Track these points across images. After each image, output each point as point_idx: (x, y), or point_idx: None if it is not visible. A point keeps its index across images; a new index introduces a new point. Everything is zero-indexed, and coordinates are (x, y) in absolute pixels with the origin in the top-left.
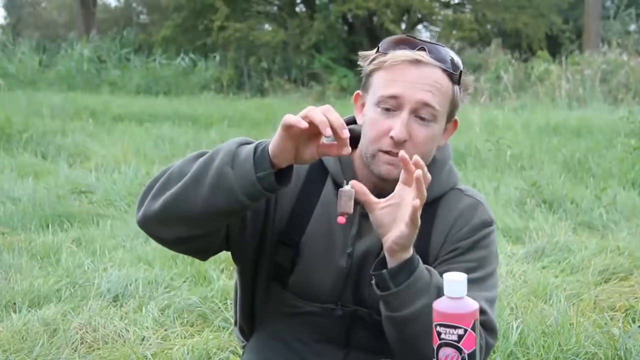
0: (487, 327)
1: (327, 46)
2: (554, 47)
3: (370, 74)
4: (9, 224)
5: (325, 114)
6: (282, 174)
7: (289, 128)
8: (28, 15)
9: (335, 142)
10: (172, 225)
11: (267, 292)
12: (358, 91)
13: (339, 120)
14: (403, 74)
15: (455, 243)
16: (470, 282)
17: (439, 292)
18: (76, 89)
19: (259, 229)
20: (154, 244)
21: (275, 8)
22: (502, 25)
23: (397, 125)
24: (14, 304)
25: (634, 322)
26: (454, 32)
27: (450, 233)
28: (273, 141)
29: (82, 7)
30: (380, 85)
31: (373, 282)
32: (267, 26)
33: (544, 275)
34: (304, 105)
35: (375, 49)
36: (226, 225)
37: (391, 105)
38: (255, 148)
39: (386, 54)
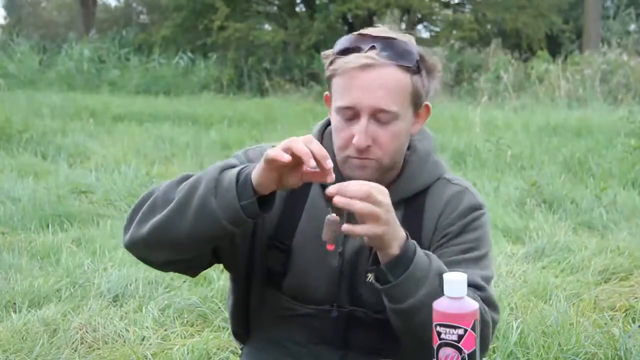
0: (489, 303)
1: (327, 46)
2: (554, 47)
3: (329, 79)
4: (9, 224)
5: (307, 145)
6: (265, 198)
7: (271, 162)
8: (28, 15)
9: (319, 170)
10: (160, 249)
11: (262, 297)
12: (327, 93)
13: (321, 151)
14: (354, 81)
15: (446, 229)
16: (465, 261)
17: (441, 278)
18: (76, 89)
19: (249, 235)
20: None
21: (275, 8)
22: (502, 25)
23: (357, 133)
24: (14, 304)
25: (634, 322)
26: (454, 32)
27: (439, 221)
28: (256, 171)
29: (82, 7)
30: (337, 93)
31: (371, 277)
32: (267, 26)
33: (544, 275)
34: (304, 105)
35: (333, 50)
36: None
37: (349, 115)
38: (238, 175)
39: (339, 57)
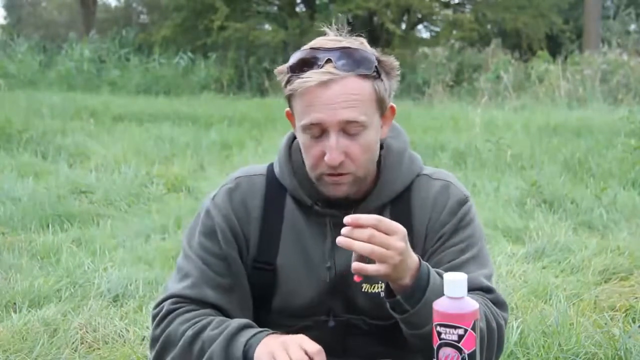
0: (498, 302)
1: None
2: (554, 47)
3: (289, 98)
4: (9, 224)
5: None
6: None
7: None
8: (28, 15)
9: None
10: None
11: (256, 319)
12: (287, 109)
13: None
14: (316, 98)
15: (439, 231)
16: (466, 262)
17: None
18: (76, 89)
19: (242, 267)
20: (154, 243)
21: (275, 8)
22: (502, 25)
23: (328, 151)
24: (14, 304)
25: (634, 322)
26: (454, 32)
27: (430, 222)
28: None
29: (82, 7)
30: (299, 112)
31: (366, 288)
32: (267, 26)
33: (544, 275)
34: None
35: (287, 67)
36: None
37: (316, 133)
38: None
39: (296, 76)
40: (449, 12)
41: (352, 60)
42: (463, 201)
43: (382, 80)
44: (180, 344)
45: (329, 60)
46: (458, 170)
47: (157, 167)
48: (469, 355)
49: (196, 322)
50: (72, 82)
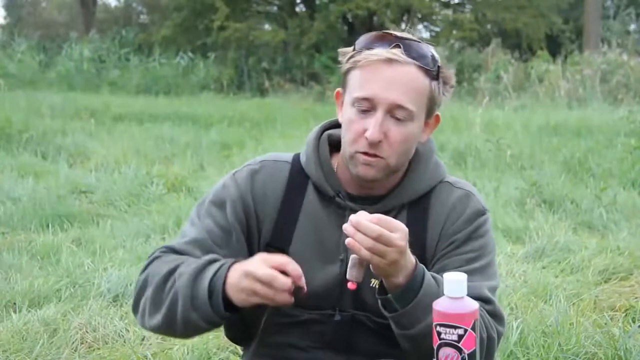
0: (496, 315)
1: (327, 46)
2: (554, 47)
3: (347, 73)
4: (9, 224)
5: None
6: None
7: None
8: (28, 15)
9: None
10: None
11: (262, 306)
12: (338, 89)
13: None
14: (376, 74)
15: (451, 237)
16: (471, 272)
17: None
18: (76, 89)
19: (245, 246)
20: (154, 243)
21: (275, 8)
22: (502, 25)
23: (371, 126)
24: (14, 304)
25: (634, 322)
26: (454, 32)
27: (444, 227)
28: (231, 292)
29: (82, 7)
30: (355, 85)
31: (379, 303)
32: (267, 26)
33: (544, 275)
34: (304, 105)
35: (353, 46)
36: None
37: (365, 107)
38: (210, 290)
39: (362, 51)
40: (449, 12)
41: (418, 52)
42: (480, 212)
43: (439, 83)
44: (155, 282)
45: (397, 46)
46: (458, 170)
47: (157, 167)
48: (469, 355)
49: (173, 261)
50: (72, 82)
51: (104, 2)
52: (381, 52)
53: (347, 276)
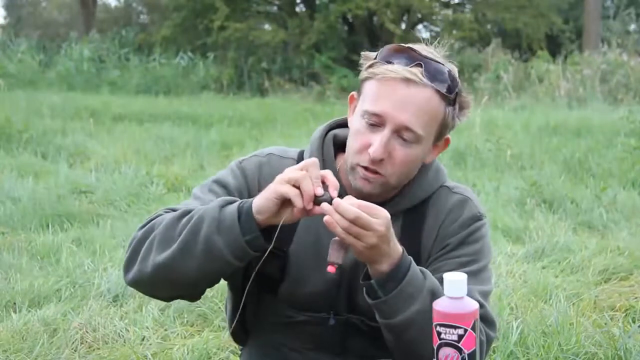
0: (486, 319)
1: (327, 46)
2: (554, 47)
3: (364, 81)
4: (9, 224)
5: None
6: (267, 232)
7: (281, 197)
8: (28, 15)
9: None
10: (167, 287)
11: (258, 304)
12: (354, 92)
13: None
14: (391, 91)
15: (446, 239)
16: None
17: (434, 296)
18: (76, 89)
19: None
20: None
21: (275, 8)
22: (502, 25)
23: (376, 143)
24: (14, 304)
25: (634, 322)
26: (454, 32)
27: (440, 230)
28: (259, 203)
29: (82, 7)
30: (368, 97)
31: (364, 291)
32: (267, 26)
33: (544, 275)
34: (304, 105)
35: (375, 55)
36: None
37: (374, 122)
38: (239, 211)
39: (383, 63)
40: (449, 12)
41: (439, 76)
42: (476, 218)
43: (454, 109)
44: (166, 222)
45: (419, 65)
46: (458, 170)
47: (157, 167)
48: (469, 355)
49: (183, 208)
50: (72, 82)
51: (104, 2)
52: (401, 70)
53: (328, 258)
